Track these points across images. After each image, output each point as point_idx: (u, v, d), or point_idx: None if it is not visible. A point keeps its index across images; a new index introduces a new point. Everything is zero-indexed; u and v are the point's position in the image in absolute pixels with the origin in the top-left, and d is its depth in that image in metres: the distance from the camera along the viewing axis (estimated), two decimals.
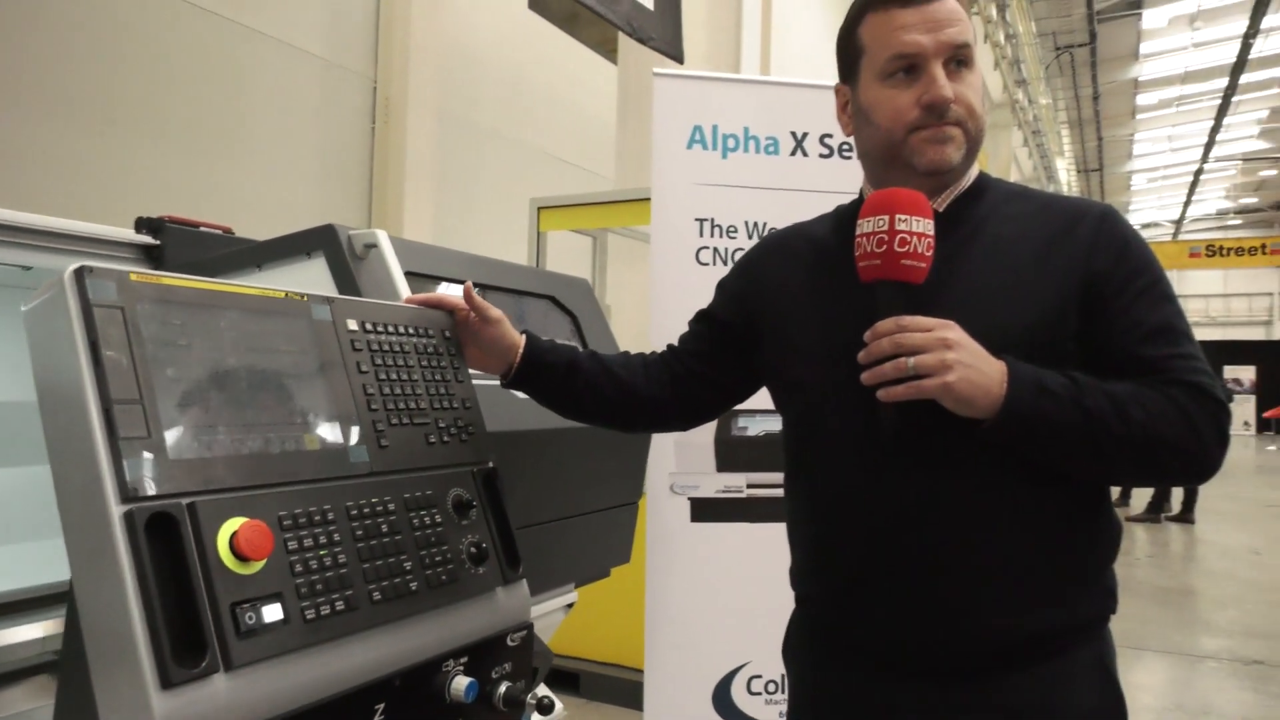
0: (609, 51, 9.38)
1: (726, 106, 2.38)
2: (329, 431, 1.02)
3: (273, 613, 0.85)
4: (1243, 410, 25.24)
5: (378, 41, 7.04)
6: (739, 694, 2.37)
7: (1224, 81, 19.18)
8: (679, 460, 2.37)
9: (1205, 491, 10.10)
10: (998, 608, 1.14)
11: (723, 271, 2.38)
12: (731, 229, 2.39)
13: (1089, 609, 1.19)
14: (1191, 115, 24.69)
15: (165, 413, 0.86)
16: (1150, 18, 19.52)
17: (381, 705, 0.96)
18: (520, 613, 1.15)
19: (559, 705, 1.13)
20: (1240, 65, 17.46)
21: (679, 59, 5.59)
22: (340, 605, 0.92)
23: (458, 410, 1.20)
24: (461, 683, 1.04)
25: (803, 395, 1.28)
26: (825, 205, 2.37)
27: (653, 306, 2.39)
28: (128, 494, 0.80)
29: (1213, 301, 38.98)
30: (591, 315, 2.00)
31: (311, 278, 1.45)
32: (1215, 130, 22.42)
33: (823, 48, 10.95)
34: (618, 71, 7.34)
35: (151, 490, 0.82)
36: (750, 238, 2.39)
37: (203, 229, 1.75)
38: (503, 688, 1.09)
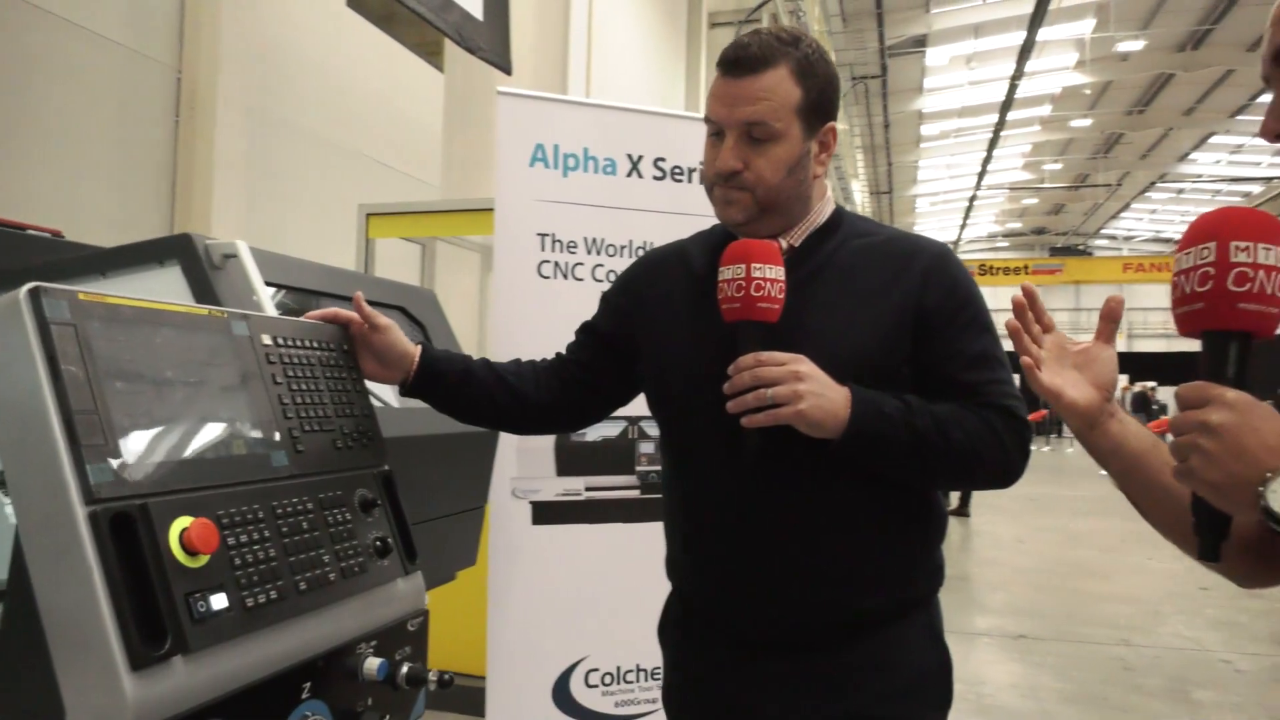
0: (429, 54, 9.26)
1: (568, 127, 2.49)
2: (254, 437, 1.08)
3: (219, 601, 0.92)
4: None
5: (183, 30, 6.66)
6: (578, 688, 2.48)
7: (994, 117, 21.17)
8: (520, 465, 2.45)
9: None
10: (843, 591, 1.32)
11: (563, 284, 2.51)
12: (571, 244, 2.50)
13: (920, 587, 1.39)
14: (967, 146, 27.10)
15: (118, 421, 0.91)
16: (933, 55, 21.34)
17: (308, 684, 1.03)
18: (418, 600, 1.25)
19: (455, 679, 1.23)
20: (1008, 104, 19.35)
21: (507, 70, 5.65)
22: (274, 594, 0.99)
23: (358, 417, 1.28)
24: (373, 663, 1.13)
25: (675, 409, 1.43)
26: (659, 223, 2.55)
27: (494, 317, 2.47)
28: (91, 496, 0.85)
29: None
30: (439, 325, 2.06)
31: (164, 287, 1.43)
32: (987, 161, 24.70)
33: (641, 74, 11.30)
34: (445, 80, 7.29)
35: (112, 493, 0.87)
36: (589, 253, 2.51)
37: (30, 231, 1.68)
38: (405, 667, 1.17)
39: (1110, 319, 1.10)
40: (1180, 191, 32.46)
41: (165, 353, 1.02)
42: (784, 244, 1.39)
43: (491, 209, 2.60)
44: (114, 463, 0.89)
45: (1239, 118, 24.14)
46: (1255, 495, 0.76)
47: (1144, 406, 21.98)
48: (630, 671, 2.53)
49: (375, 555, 1.17)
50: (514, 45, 6.03)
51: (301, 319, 1.30)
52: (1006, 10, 18.45)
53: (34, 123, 5.38)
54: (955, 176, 30.73)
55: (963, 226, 33.58)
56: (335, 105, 8.04)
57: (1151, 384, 23.70)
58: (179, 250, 1.44)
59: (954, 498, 10.65)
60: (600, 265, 2.53)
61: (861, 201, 27.20)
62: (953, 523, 10.16)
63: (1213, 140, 26.50)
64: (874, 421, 1.25)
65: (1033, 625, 5.61)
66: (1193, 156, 28.22)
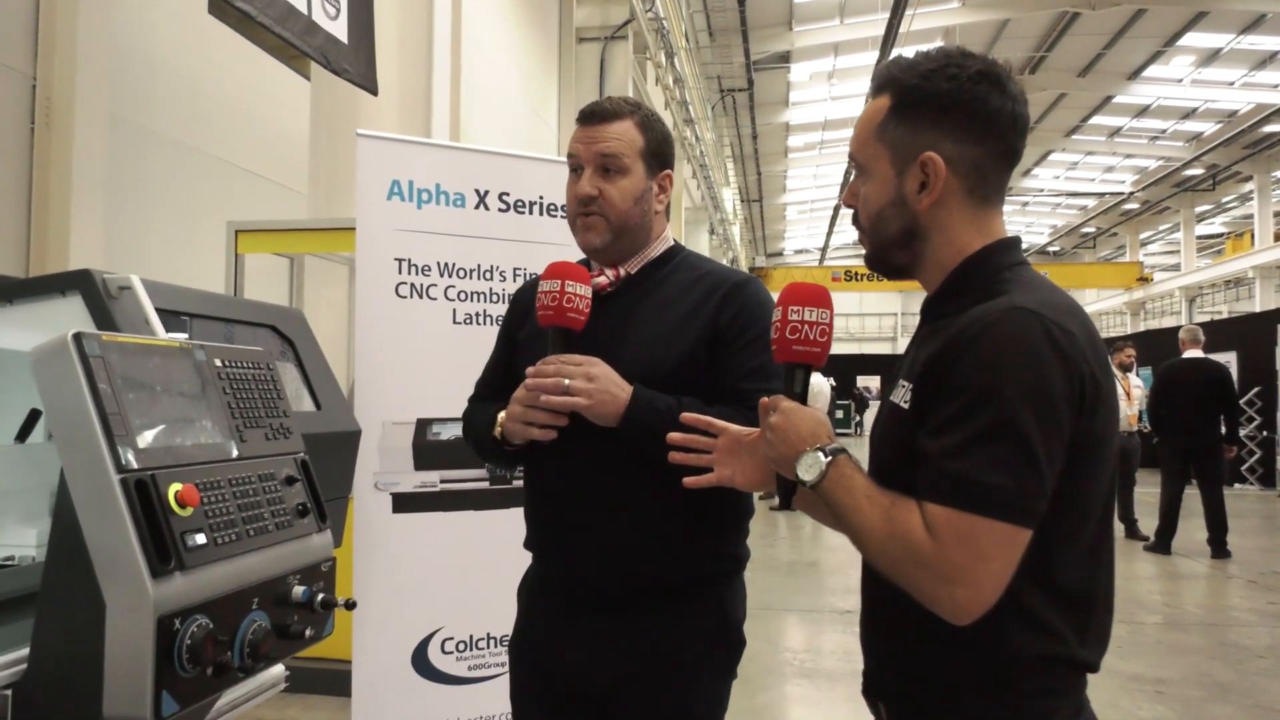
0: (289, 58, 9.27)
1: (421, 166, 2.83)
2: (215, 432, 1.47)
3: (200, 539, 1.31)
4: (872, 413, 29.33)
5: (38, 34, 6.54)
6: (435, 655, 2.82)
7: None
8: (382, 461, 2.78)
9: None
10: (640, 560, 1.60)
11: (419, 303, 2.85)
12: (426, 268, 2.85)
13: (714, 567, 1.67)
14: (832, 157, 28.29)
15: (133, 420, 1.29)
16: (796, 71, 22.34)
17: (255, 599, 1.42)
18: (327, 550, 1.65)
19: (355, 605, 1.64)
20: None
21: (373, 91, 5.86)
22: (233, 536, 1.38)
23: (280, 418, 1.65)
24: (299, 590, 1.51)
25: None
26: (505, 250, 2.92)
27: (357, 334, 2.79)
28: (120, 468, 1.24)
29: (851, 320, 44.73)
30: (307, 341, 2.37)
31: (68, 315, 1.70)
32: (849, 172, 25.94)
33: (516, 82, 11.57)
34: (310, 94, 7.37)
35: (134, 466, 1.25)
36: (442, 275, 2.86)
37: None
38: (320, 595, 1.55)
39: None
40: (1025, 204, 34.81)
41: (157, 373, 1.40)
42: (621, 271, 1.73)
43: (354, 228, 2.91)
44: (133, 447, 1.27)
45: (1074, 136, 26.22)
46: (793, 466, 1.20)
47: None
48: (481, 639, 2.90)
49: (298, 515, 1.57)
50: (379, 62, 6.23)
51: (240, 346, 1.65)
52: (862, 31, 19.55)
53: None
54: (821, 186, 31.92)
55: (829, 234, 34.98)
56: (199, 113, 7.99)
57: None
58: (79, 282, 1.71)
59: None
60: (452, 286, 2.89)
61: (733, 207, 28.10)
62: (806, 517, 10.85)
63: (1051, 157, 28.58)
64: (647, 414, 1.53)
65: (859, 602, 6.21)
66: (1035, 172, 30.28)
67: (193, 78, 8.01)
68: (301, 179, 8.54)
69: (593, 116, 1.69)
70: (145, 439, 1.33)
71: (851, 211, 1.31)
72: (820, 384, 11.12)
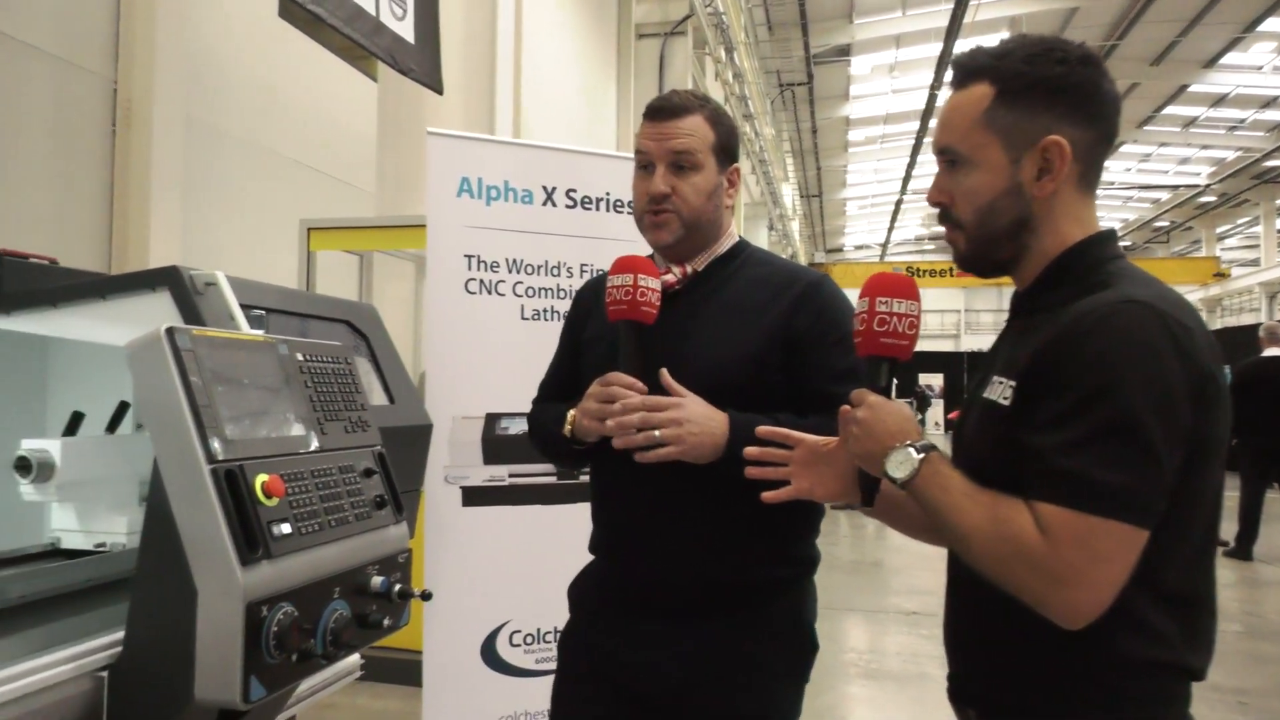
0: (356, 59, 9.46)
1: (489, 163, 2.86)
2: (297, 424, 1.50)
3: (285, 528, 1.34)
4: (935, 412, 28.80)
5: (118, 40, 6.76)
6: (503, 647, 2.86)
7: (916, 124, 21.96)
8: (452, 455, 2.82)
9: None
10: (715, 563, 1.57)
11: (488, 299, 2.88)
12: (495, 264, 2.88)
13: (786, 570, 1.63)
14: (892, 152, 27.80)
15: (221, 412, 1.33)
16: (857, 64, 22.05)
17: (337, 589, 1.45)
18: (403, 541, 1.67)
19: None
20: (929, 112, 20.08)
21: (438, 90, 5.94)
22: (316, 527, 1.41)
23: (357, 411, 1.68)
24: (377, 580, 1.54)
25: None
26: (571, 246, 2.94)
27: (427, 330, 2.83)
28: (211, 459, 1.28)
29: None
30: (380, 336, 2.41)
31: (158, 311, 1.76)
32: (911, 166, 25.52)
33: (574, 82, 11.64)
34: (377, 94, 7.50)
35: (223, 457, 1.29)
36: (510, 272, 2.89)
37: (32, 259, 1.99)
38: (397, 585, 1.57)
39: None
40: (1096, 197, 33.79)
41: (243, 367, 1.44)
42: (689, 268, 1.69)
43: (424, 225, 2.95)
44: (221, 438, 1.31)
45: (1146, 128, 25.42)
46: (881, 463, 1.17)
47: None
48: (549, 632, 2.92)
49: (376, 507, 1.59)
50: (443, 61, 6.32)
51: (320, 340, 1.69)
52: (925, 23, 19.21)
53: None
54: (883, 181, 31.48)
55: (890, 229, 34.47)
56: (270, 114, 8.18)
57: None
58: (168, 279, 1.76)
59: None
60: (520, 282, 2.91)
61: (792, 204, 27.87)
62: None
63: (1123, 149, 27.77)
64: (748, 439, 1.44)
65: (924, 603, 6.13)
66: (1105, 164, 29.39)
67: (264, 79, 8.21)
68: (367, 177, 8.70)
69: (663, 112, 1.65)
70: (233, 430, 1.36)
71: (939, 209, 1.27)
72: None
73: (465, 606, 2.82)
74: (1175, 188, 30.61)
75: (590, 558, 1.79)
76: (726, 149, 1.70)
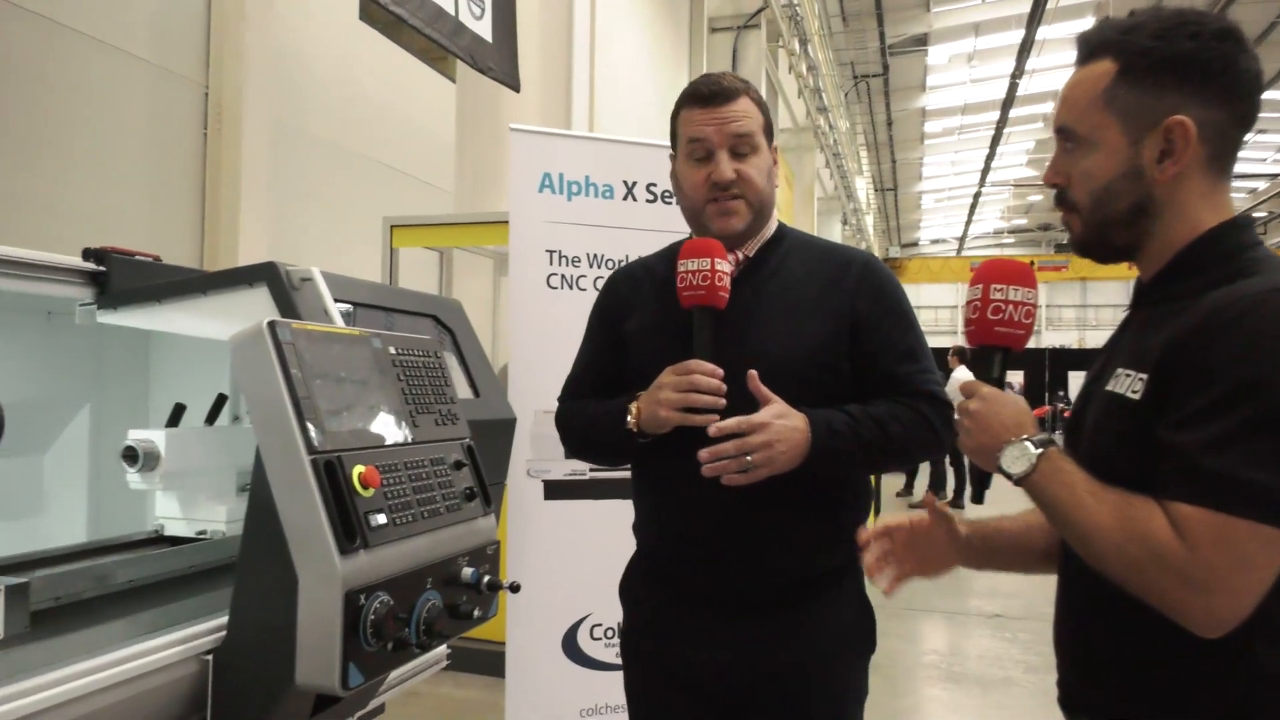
0: (433, 60, 9.63)
1: (570, 158, 2.87)
2: (390, 416, 1.52)
3: (381, 519, 1.36)
4: None
5: (209, 46, 7.00)
6: (584, 640, 2.87)
7: (996, 115, 21.39)
8: (534, 449, 2.84)
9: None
10: (786, 556, 1.55)
11: (570, 295, 2.89)
12: (576, 259, 2.89)
13: (845, 556, 1.57)
14: (971, 143, 27.18)
15: (320, 404, 1.36)
16: (934, 54, 21.55)
17: (430, 579, 1.46)
18: (492, 533, 1.68)
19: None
20: (1009, 101, 19.57)
21: (515, 88, 6.00)
22: (410, 518, 1.43)
23: (447, 404, 1.70)
24: (468, 571, 1.55)
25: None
26: (652, 240, 2.92)
27: (510, 324, 2.86)
28: (311, 450, 1.30)
29: None
30: (465, 331, 2.43)
31: (255, 305, 1.81)
32: (990, 158, 24.88)
33: (647, 77, 11.65)
34: (456, 94, 7.62)
35: (322, 448, 1.31)
36: (591, 266, 2.90)
37: (137, 257, 2.06)
38: (487, 577, 1.58)
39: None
40: (1230, 182, 32.41)
41: (339, 360, 1.46)
42: (740, 255, 1.66)
43: (505, 221, 2.98)
44: (320, 429, 1.34)
45: None
46: (995, 458, 1.13)
47: None
48: None
49: (465, 499, 1.61)
50: (521, 58, 6.38)
51: (408, 334, 1.71)
52: (1005, 9, 18.69)
53: (69, 140, 5.66)
54: (960, 173, 30.81)
55: (968, 223, 33.75)
56: (352, 115, 8.39)
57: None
58: (265, 275, 1.81)
59: (950, 490, 10.95)
60: (601, 277, 2.91)
61: (866, 198, 27.42)
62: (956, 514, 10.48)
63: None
64: (829, 441, 1.47)
65: (1009, 605, 5.97)
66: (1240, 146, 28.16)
67: (346, 82, 8.42)
68: (444, 176, 8.85)
69: (717, 97, 1.60)
70: (331, 422, 1.38)
71: (1055, 190, 1.21)
72: (967, 378, 10.60)
73: (547, 599, 2.84)
74: (1274, 176, 29.23)
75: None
76: (769, 128, 1.68)
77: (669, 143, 1.72)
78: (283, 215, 7.23)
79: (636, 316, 1.71)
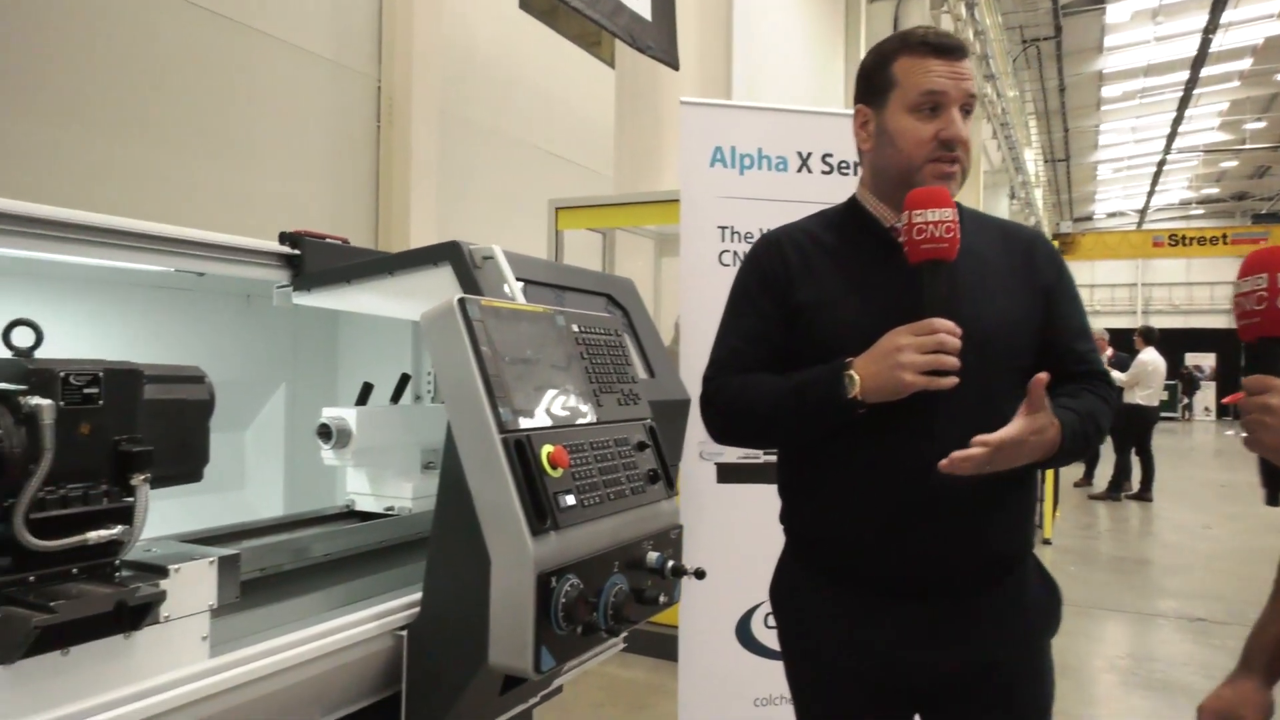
0: (590, 45, 9.72)
1: (743, 130, 2.77)
2: (575, 395, 1.49)
3: (570, 500, 1.34)
4: (1204, 396, 25.91)
5: (381, 41, 7.31)
6: (758, 627, 2.79)
7: (1185, 75, 19.74)
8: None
9: (1164, 473, 10.69)
10: (997, 537, 1.48)
11: None
12: (749, 235, 2.79)
13: (1032, 533, 1.58)
14: (1154, 107, 25.24)
15: (509, 383, 1.34)
16: (1114, 11, 20.00)
17: (617, 563, 1.44)
18: (675, 516, 1.64)
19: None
20: (1200, 59, 18.01)
21: (675, 66, 5.95)
22: (597, 499, 1.40)
23: (629, 383, 1.66)
24: (653, 555, 1.51)
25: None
26: None
27: (682, 304, 2.80)
28: (502, 429, 1.29)
29: (1176, 290, 39.75)
30: (639, 310, 2.39)
31: (440, 284, 1.82)
32: (1177, 122, 23.02)
33: (788, 78, 11.35)
34: (615, 77, 7.66)
35: (512, 426, 1.30)
36: None
37: (328, 240, 2.12)
38: (670, 562, 1.54)
39: None
40: None
41: (525, 337, 1.44)
42: None
43: (667, 200, 2.92)
44: (510, 408, 1.32)
45: None
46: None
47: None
48: None
49: (649, 481, 1.56)
50: (679, 36, 6.32)
51: (592, 312, 1.68)
52: None
53: (259, 135, 6.10)
54: (1141, 140, 28.65)
55: (1150, 193, 31.35)
56: (512, 103, 8.59)
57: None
58: (450, 254, 1.82)
59: (1135, 481, 10.21)
60: None
61: (1035, 170, 25.89)
62: (1133, 507, 9.77)
63: None
64: (1070, 444, 1.42)
65: (1210, 609, 5.49)
66: None
67: (506, 71, 8.64)
68: (600, 160, 8.94)
69: (954, 50, 1.47)
70: (519, 400, 1.36)
71: None
72: (1155, 361, 9.83)
73: (720, 584, 2.76)
74: None
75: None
76: None
77: (863, 96, 1.57)
78: (449, 200, 7.50)
79: (811, 286, 1.56)
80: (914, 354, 1.36)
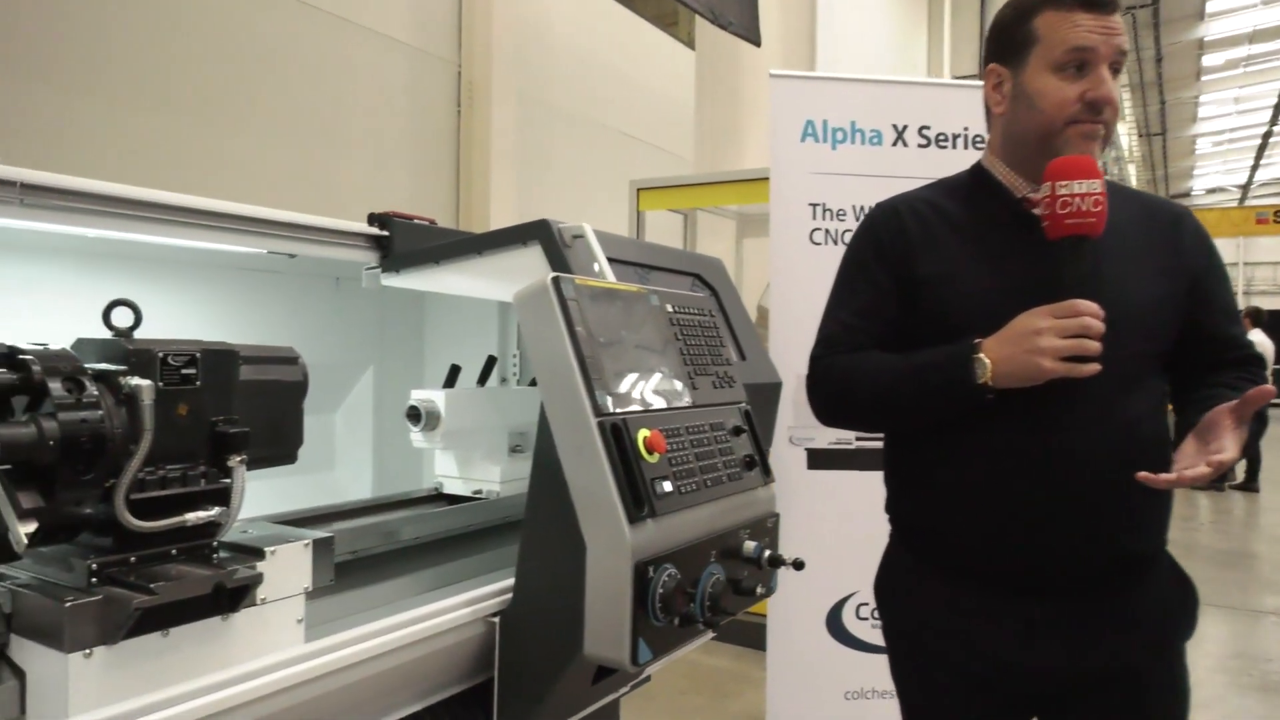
0: (666, 25, 9.62)
1: (835, 103, 2.67)
2: (671, 378, 1.44)
3: (667, 486, 1.28)
4: None
5: (460, 27, 7.36)
6: (849, 619, 2.71)
7: None
8: (796, 415, 2.69)
9: (1270, 462, 10.15)
10: (1130, 532, 1.38)
11: (834, 250, 2.70)
12: (841, 212, 2.69)
13: (1167, 529, 1.45)
14: (1260, 76, 23.93)
15: (604, 364, 1.29)
16: None
17: (714, 552, 1.38)
18: (772, 504, 1.58)
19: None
20: None
21: (756, 42, 5.82)
22: (694, 486, 1.34)
23: (724, 365, 1.60)
24: (750, 545, 1.45)
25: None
26: None
27: (773, 285, 2.71)
28: (597, 412, 1.24)
29: None
30: (729, 291, 2.32)
31: (529, 263, 1.78)
32: None
33: (869, 52, 11.03)
34: (695, 57, 7.56)
35: (609, 410, 1.25)
36: (858, 220, 2.69)
37: (415, 221, 2.11)
38: (767, 552, 1.48)
39: None
40: None
41: (619, 317, 1.39)
42: None
43: (750, 179, 2.83)
44: (606, 390, 1.27)
45: None
46: None
47: None
48: None
49: (745, 467, 1.50)
50: (761, 11, 6.18)
51: (685, 291, 1.62)
52: None
53: (343, 121, 6.22)
54: (1245, 111, 27.17)
55: (1254, 168, 29.71)
56: (590, 86, 8.57)
57: None
58: (540, 233, 1.77)
59: (1239, 470, 9.73)
60: None
61: (1129, 145, 24.81)
62: (1237, 498, 9.31)
63: None
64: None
65: None
66: None
67: (584, 54, 8.62)
68: (678, 141, 8.86)
69: (1106, 3, 1.35)
70: (615, 383, 1.31)
71: None
72: (1264, 343, 9.32)
73: (810, 574, 2.67)
74: None
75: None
76: None
77: (997, 54, 1.44)
78: (528, 183, 7.52)
79: (934, 259, 1.45)
80: (1054, 338, 1.27)
